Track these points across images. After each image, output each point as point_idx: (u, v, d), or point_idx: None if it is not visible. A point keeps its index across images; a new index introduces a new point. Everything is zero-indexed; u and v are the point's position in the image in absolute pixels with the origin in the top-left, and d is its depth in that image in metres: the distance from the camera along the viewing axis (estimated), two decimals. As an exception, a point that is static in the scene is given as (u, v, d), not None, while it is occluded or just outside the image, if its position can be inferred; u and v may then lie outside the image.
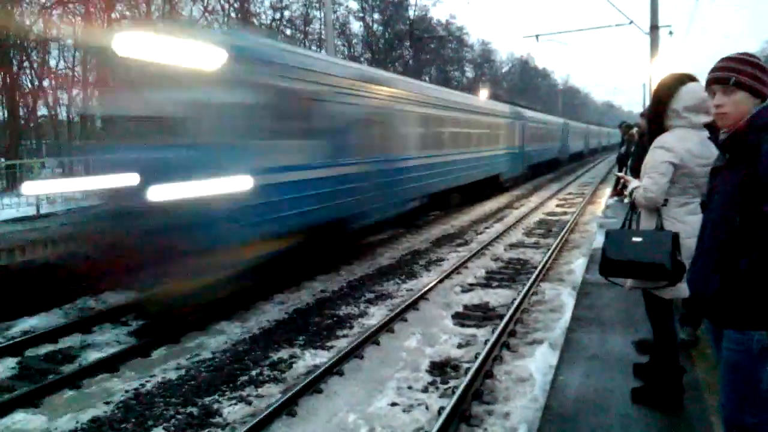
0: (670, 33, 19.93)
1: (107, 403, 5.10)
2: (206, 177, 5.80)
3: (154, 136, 6.86)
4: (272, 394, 5.23)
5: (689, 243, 2.83)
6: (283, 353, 6.21)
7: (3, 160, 17.94)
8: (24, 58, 22.55)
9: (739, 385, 2.21)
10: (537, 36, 22.13)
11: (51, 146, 26.13)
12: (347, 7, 38.50)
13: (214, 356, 6.15)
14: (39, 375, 5.78)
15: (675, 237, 3.22)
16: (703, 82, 2.79)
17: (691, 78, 3.49)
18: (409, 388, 5.31)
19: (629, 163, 8.67)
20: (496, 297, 8.13)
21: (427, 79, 39.05)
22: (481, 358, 5.54)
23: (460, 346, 6.36)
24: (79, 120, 24.10)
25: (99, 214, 6.98)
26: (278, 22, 32.54)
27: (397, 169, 11.65)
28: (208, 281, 6.22)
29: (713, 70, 2.33)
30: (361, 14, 40.09)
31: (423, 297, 8.00)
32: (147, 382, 5.53)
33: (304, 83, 8.26)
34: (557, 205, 19.03)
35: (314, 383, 5.29)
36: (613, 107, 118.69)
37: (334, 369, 5.64)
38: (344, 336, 6.71)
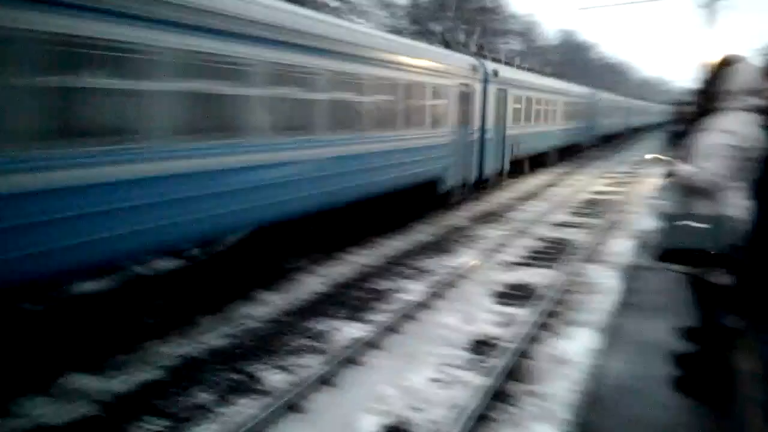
0: (726, 9, 18.66)
1: (159, 367, 5.34)
2: None
3: None
4: (313, 365, 5.37)
5: (744, 228, 2.75)
6: (324, 325, 6.34)
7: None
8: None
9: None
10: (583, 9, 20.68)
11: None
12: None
13: (257, 325, 6.34)
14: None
15: (735, 222, 3.12)
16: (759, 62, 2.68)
17: (745, 59, 3.36)
18: (448, 364, 5.37)
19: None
20: (539, 277, 8.07)
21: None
22: (521, 338, 5.55)
23: (499, 325, 6.37)
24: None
25: None
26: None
27: None
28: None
29: None
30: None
31: (462, 275, 8.00)
32: (195, 348, 5.75)
33: None
34: (605, 185, 18.60)
35: (355, 356, 5.41)
36: (665, 82, 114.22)
37: (374, 343, 5.75)
38: (384, 311, 6.80)
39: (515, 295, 7.35)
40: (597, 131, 30.37)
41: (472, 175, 13.46)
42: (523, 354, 5.39)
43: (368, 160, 8.78)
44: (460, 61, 12.74)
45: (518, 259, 9.10)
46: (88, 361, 5.28)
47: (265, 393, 4.88)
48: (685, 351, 4.11)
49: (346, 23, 10.43)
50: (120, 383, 5.01)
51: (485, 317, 6.57)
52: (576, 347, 5.45)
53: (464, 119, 12.56)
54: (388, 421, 4.45)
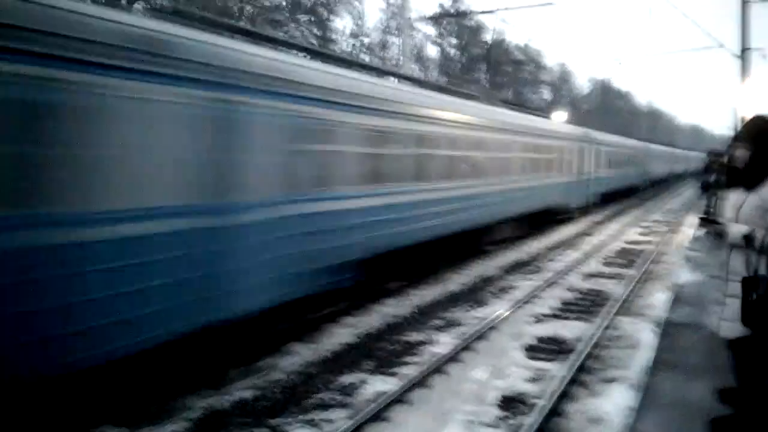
0: (764, 56, 18.47)
1: (186, 419, 5.34)
2: None
3: None
4: (339, 418, 5.30)
5: None
6: (352, 377, 6.28)
7: None
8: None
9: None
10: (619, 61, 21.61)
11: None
12: (424, 33, 39.00)
13: (285, 377, 6.31)
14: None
15: None
16: None
17: None
18: (477, 422, 5.23)
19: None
20: (571, 329, 7.88)
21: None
22: (554, 395, 5.39)
23: (531, 380, 6.20)
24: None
25: None
26: (357, 48, 33.41)
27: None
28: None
29: None
30: (438, 39, 40.46)
31: (493, 327, 7.87)
32: (220, 400, 5.74)
33: None
34: (639, 234, 18.27)
35: (381, 411, 5.32)
36: (702, 131, 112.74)
37: (402, 397, 5.65)
38: (412, 363, 6.70)
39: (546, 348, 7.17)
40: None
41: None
42: (554, 412, 5.22)
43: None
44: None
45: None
46: (123, 413, 5.33)
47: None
48: (723, 414, 3.93)
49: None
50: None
51: (516, 372, 6.42)
52: (610, 406, 5.26)
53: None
54: (414, 480, 4.34)
